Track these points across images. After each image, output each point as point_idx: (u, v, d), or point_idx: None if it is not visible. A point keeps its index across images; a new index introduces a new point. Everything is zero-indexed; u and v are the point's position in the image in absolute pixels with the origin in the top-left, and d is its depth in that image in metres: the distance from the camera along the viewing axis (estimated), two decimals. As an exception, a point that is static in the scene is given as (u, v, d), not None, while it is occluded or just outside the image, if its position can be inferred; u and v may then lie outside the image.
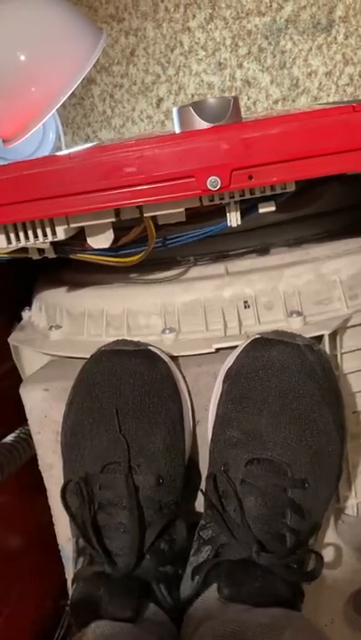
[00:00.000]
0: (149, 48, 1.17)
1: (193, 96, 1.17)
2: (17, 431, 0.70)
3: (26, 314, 0.71)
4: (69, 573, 0.61)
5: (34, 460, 0.67)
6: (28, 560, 0.73)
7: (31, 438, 0.69)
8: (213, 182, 0.41)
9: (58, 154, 0.47)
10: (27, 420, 0.69)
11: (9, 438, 0.70)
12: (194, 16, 1.13)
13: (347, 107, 0.40)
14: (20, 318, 0.72)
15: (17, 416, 0.64)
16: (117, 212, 0.47)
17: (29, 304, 0.71)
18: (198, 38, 1.14)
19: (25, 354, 0.67)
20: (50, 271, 0.71)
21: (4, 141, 0.67)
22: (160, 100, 1.19)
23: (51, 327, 0.62)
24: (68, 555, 0.60)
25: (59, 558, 0.63)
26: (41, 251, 0.52)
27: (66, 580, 0.74)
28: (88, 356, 0.54)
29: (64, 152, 0.60)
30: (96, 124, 1.23)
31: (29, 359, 0.67)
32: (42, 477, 0.60)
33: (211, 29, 1.13)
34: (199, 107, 0.44)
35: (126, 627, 0.42)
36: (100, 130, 1.24)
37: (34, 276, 0.73)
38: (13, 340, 0.66)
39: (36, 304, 0.69)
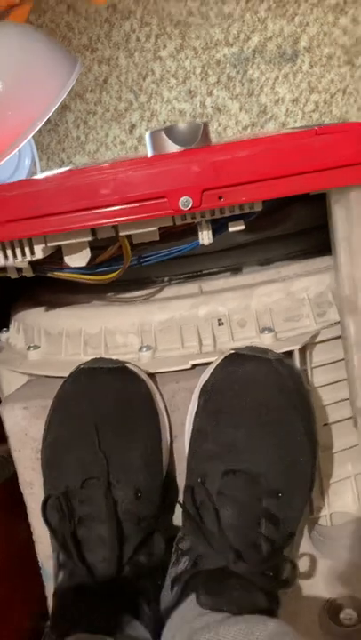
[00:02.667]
0: (122, 76, 1.20)
1: (165, 122, 1.20)
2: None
3: (3, 335, 0.72)
4: (50, 591, 0.61)
5: (11, 480, 0.67)
6: (8, 582, 0.73)
7: (8, 458, 0.70)
8: (185, 202, 0.43)
9: (34, 177, 0.48)
10: (5, 438, 0.70)
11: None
12: (165, 46, 1.17)
13: (309, 130, 0.42)
14: (-4, 340, 0.72)
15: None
16: (94, 232, 0.49)
17: (6, 326, 0.72)
18: (169, 67, 1.18)
19: (3, 374, 0.67)
20: (26, 292, 0.72)
21: (-19, 165, 0.68)
22: (133, 127, 1.22)
23: (29, 347, 0.63)
24: (48, 572, 0.60)
25: (39, 580, 0.63)
26: (19, 270, 0.54)
27: (47, 601, 0.73)
28: (65, 375, 0.54)
29: (40, 175, 0.61)
30: (70, 150, 1.26)
31: (7, 379, 0.67)
32: (20, 498, 0.61)
33: (181, 59, 1.17)
34: (171, 131, 0.46)
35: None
36: (74, 155, 1.26)
37: (8, 299, 0.74)
38: (-9, 360, 0.67)
39: (13, 325, 0.70)
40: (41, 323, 0.63)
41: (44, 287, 0.69)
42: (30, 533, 0.64)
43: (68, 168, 0.80)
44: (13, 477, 0.65)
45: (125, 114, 1.21)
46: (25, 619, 0.74)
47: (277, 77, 1.13)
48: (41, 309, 0.65)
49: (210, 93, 1.17)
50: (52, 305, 0.65)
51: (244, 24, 1.13)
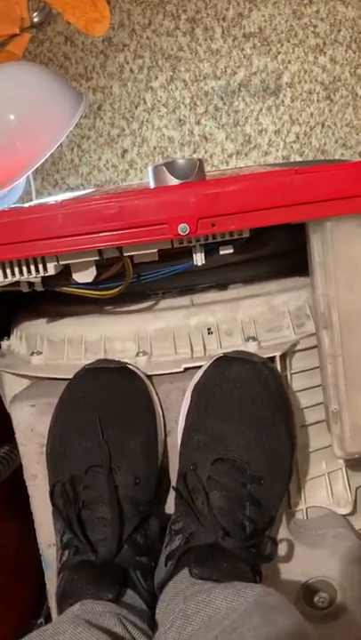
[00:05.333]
0: (115, 104, 1.27)
1: (155, 148, 1.27)
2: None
3: (4, 343, 0.76)
4: (48, 578, 0.66)
5: (4, 485, 0.71)
6: (0, 583, 0.76)
7: (10, 459, 0.75)
8: (183, 228, 0.50)
9: (49, 202, 0.55)
10: (6, 440, 0.75)
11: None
12: (156, 77, 1.25)
13: (290, 170, 0.49)
14: (-3, 347, 0.76)
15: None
16: (100, 252, 0.55)
17: (6, 335, 0.76)
18: (160, 97, 1.25)
19: (6, 378, 0.71)
20: (27, 303, 0.77)
21: (-8, 188, 0.75)
22: (125, 152, 1.29)
23: (32, 353, 0.67)
24: (48, 560, 0.65)
25: (31, 580, 0.65)
26: (31, 284, 0.59)
27: (37, 601, 0.76)
28: (68, 377, 0.60)
29: (52, 199, 0.67)
30: (64, 171, 1.32)
31: (10, 383, 0.71)
32: (12, 503, 0.64)
33: (172, 89, 1.25)
34: (171, 166, 0.53)
35: (110, 604, 0.48)
36: (67, 177, 1.32)
37: (7, 310, 0.79)
38: (-4, 365, 0.72)
39: (15, 333, 0.74)
40: (43, 331, 0.68)
41: (45, 299, 0.73)
42: (20, 537, 0.67)
43: (80, 193, 0.85)
44: (4, 484, 0.69)
45: (118, 139, 1.29)
46: (17, 618, 0.77)
47: (261, 110, 1.21)
48: (43, 319, 0.70)
49: (198, 122, 1.25)
50: (53, 315, 0.69)
51: (230, 60, 1.21)
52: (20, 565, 0.70)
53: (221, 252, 0.56)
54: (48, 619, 0.75)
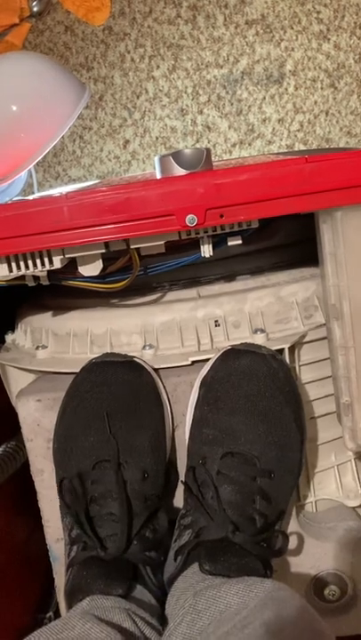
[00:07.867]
0: (117, 94, 1.26)
1: (157, 139, 1.26)
2: (2, 446, 0.75)
3: (9, 337, 0.75)
4: (56, 572, 0.66)
5: (13, 478, 0.70)
6: (8, 578, 0.76)
7: (17, 454, 0.74)
8: (191, 220, 0.49)
9: (54, 194, 0.54)
10: (12, 435, 0.75)
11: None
12: (158, 66, 1.23)
13: (300, 158, 0.48)
14: (2, 341, 0.76)
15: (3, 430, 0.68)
16: (107, 245, 0.54)
17: (10, 328, 0.76)
18: (162, 86, 1.24)
19: (11, 372, 0.71)
20: (31, 297, 0.76)
21: (-5, 180, 0.74)
22: (127, 142, 1.27)
23: (37, 347, 0.67)
24: (56, 554, 0.65)
25: (39, 574, 0.65)
26: (36, 278, 0.59)
27: (45, 595, 0.76)
28: (74, 371, 0.59)
29: (56, 192, 0.66)
30: (66, 163, 1.31)
31: (15, 377, 0.71)
32: (21, 497, 0.64)
33: (174, 79, 1.23)
34: (178, 156, 0.52)
35: (119, 600, 0.48)
36: (69, 168, 1.31)
37: (11, 303, 0.78)
38: (1, 359, 0.71)
39: (20, 327, 0.74)
40: (48, 324, 0.68)
41: (49, 292, 0.73)
42: (29, 531, 0.67)
43: (84, 185, 0.84)
44: (13, 478, 0.69)
45: (120, 130, 1.27)
46: (24, 613, 0.77)
47: (264, 98, 1.20)
48: (48, 312, 0.69)
49: (200, 112, 1.23)
50: (58, 308, 0.69)
51: (233, 47, 1.20)
52: (28, 559, 0.70)
53: (230, 244, 0.56)
54: (57, 613, 0.75)
